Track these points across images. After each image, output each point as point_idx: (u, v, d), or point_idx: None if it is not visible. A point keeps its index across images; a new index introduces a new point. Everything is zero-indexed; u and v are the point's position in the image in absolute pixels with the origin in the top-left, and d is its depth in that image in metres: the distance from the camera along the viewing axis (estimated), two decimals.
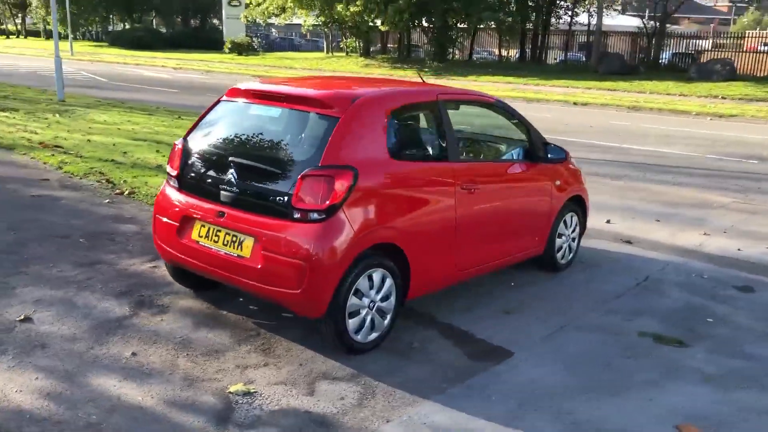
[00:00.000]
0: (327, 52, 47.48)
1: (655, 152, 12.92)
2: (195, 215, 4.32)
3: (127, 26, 65.28)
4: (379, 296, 4.15)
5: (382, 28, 36.78)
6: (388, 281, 4.19)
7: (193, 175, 4.45)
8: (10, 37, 77.32)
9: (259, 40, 51.33)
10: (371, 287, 4.09)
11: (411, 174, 4.31)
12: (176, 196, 4.49)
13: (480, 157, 5.57)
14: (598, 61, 34.87)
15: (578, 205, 6.00)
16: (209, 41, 54.78)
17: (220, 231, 4.17)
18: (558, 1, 38.61)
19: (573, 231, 5.98)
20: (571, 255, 6.05)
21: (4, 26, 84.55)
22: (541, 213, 5.51)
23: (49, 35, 71.00)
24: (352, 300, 3.99)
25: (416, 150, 4.58)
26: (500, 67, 36.98)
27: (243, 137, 4.41)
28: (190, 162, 4.49)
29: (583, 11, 38.55)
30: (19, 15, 79.50)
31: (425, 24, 38.13)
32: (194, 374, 3.83)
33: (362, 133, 4.08)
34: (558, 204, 5.63)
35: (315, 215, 3.83)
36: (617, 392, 3.87)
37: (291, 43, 61.00)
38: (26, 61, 37.82)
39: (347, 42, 45.65)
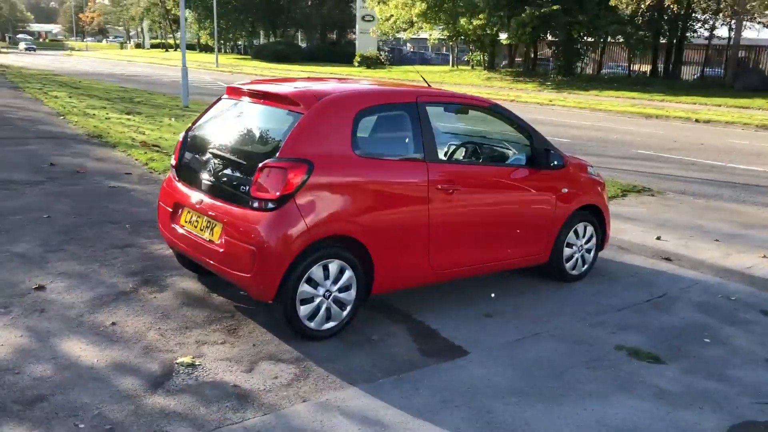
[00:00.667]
0: (452, 66, 47.73)
1: (763, 173, 12.03)
2: (184, 202, 4.70)
3: (271, 40, 69.06)
4: (336, 287, 4.31)
5: (505, 42, 36.50)
6: (348, 273, 4.34)
7: (186, 165, 4.84)
8: (169, 50, 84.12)
9: (387, 53, 52.45)
10: (326, 277, 4.27)
11: (377, 171, 4.44)
12: (173, 185, 4.90)
13: (469, 160, 5.54)
14: (735, 76, 32.63)
15: (595, 216, 5.83)
16: (344, 55, 56.75)
17: (199, 217, 4.52)
18: (693, 14, 36.53)
19: (587, 242, 5.81)
20: (586, 266, 5.88)
21: (163, 40, 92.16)
22: (542, 220, 5.42)
23: (202, 49, 76.68)
24: (304, 287, 4.18)
25: (386, 148, 4.70)
26: (628, 83, 35.54)
27: (227, 131, 4.74)
28: (186, 153, 4.89)
29: (723, 24, 36.23)
30: (177, 30, 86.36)
31: (550, 38, 37.42)
32: (155, 345, 4.18)
33: (325, 130, 4.28)
34: (564, 212, 5.51)
35: (268, 204, 4.08)
36: (554, 399, 3.79)
37: (422, 56, 61.87)
38: (175, 72, 41.08)
39: (472, 55, 45.67)
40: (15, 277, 5.17)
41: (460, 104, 5.27)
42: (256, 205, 4.12)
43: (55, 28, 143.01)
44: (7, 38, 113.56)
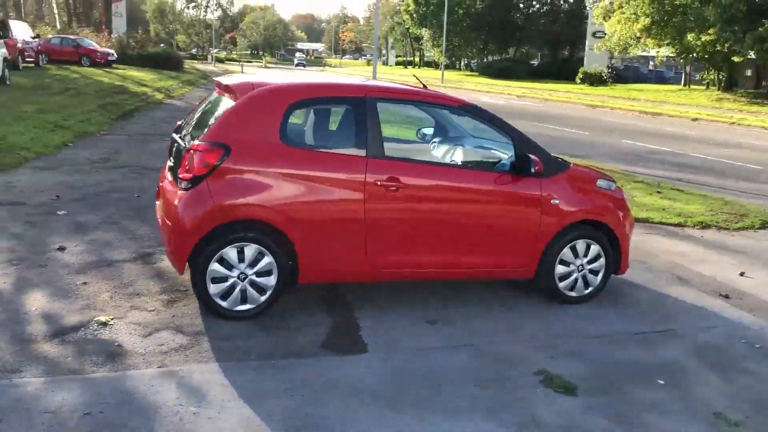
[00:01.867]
0: (684, 85, 43.98)
1: None
2: (160, 189, 5.16)
3: (501, 57, 69.40)
4: (253, 270, 4.45)
5: (736, 59, 32.84)
6: (267, 259, 4.46)
7: (171, 153, 5.30)
8: (408, 67, 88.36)
9: (610, 71, 49.85)
10: (242, 260, 4.43)
11: (308, 162, 4.50)
12: (163, 173, 5.39)
13: (430, 161, 5.24)
14: None
15: (604, 234, 5.24)
16: (572, 72, 55.13)
17: (161, 199, 4.95)
18: None
19: (591, 262, 5.24)
20: (590, 289, 5.30)
21: (406, 58, 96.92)
22: (521, 231, 5.01)
23: (439, 66, 79.50)
24: (215, 266, 4.39)
25: (323, 140, 4.72)
26: None
27: (196, 121, 5.10)
28: (173, 144, 5.35)
29: None
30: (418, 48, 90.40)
31: None
32: (95, 304, 4.66)
33: (252, 118, 4.46)
34: (554, 225, 5.04)
35: (185, 184, 4.36)
36: (402, 409, 3.56)
37: (660, 75, 57.78)
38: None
39: (705, 74, 41.73)
40: (52, 238, 6.03)
41: (420, 102, 5.10)
42: (182, 185, 4.43)
43: (321, 46, 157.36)
44: (277, 55, 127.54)
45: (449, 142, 5.76)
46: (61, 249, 5.74)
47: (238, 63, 76.32)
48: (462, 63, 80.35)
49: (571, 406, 3.72)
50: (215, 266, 4.39)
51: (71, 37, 38.37)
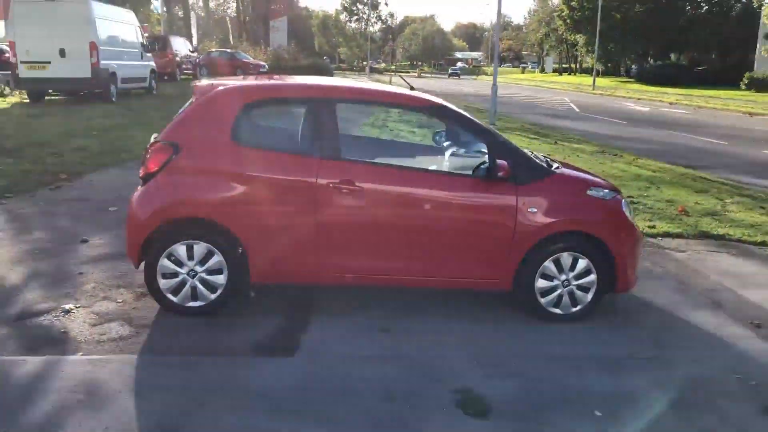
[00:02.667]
0: None
1: None
2: None
3: (663, 63, 65.26)
4: (203, 268, 4.53)
5: None
6: (217, 257, 4.52)
7: None
8: (563, 74, 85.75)
9: None
10: (191, 257, 4.52)
11: (259, 162, 4.51)
12: None
13: (388, 162, 4.89)
14: None
15: (596, 248, 4.77)
16: (740, 77, 50.72)
17: None
18: None
19: (579, 277, 4.79)
20: (579, 307, 4.84)
21: (565, 65, 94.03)
22: (492, 239, 4.68)
23: (597, 72, 76.42)
24: (164, 262, 4.50)
25: (276, 141, 4.69)
26: None
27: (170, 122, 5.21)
28: None
29: None
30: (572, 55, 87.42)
31: None
32: (75, 293, 4.94)
33: (206, 118, 4.54)
34: (532, 235, 4.66)
35: (142, 180, 4.54)
36: (278, 414, 3.47)
37: None
38: (537, 93, 42.33)
39: None
40: (82, 231, 6.50)
41: (383, 103, 4.90)
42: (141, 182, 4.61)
43: (480, 55, 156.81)
44: (434, 65, 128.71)
45: (455, 147, 5.52)
46: (84, 241, 6.18)
47: (393, 73, 77.96)
48: (621, 69, 76.54)
49: (473, 429, 3.42)
50: (165, 262, 4.51)
51: (228, 51, 41.29)
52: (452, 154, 5.17)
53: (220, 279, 4.56)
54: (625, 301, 5.27)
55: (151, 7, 44.05)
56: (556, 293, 4.81)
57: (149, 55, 22.42)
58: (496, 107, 21.15)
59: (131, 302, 4.83)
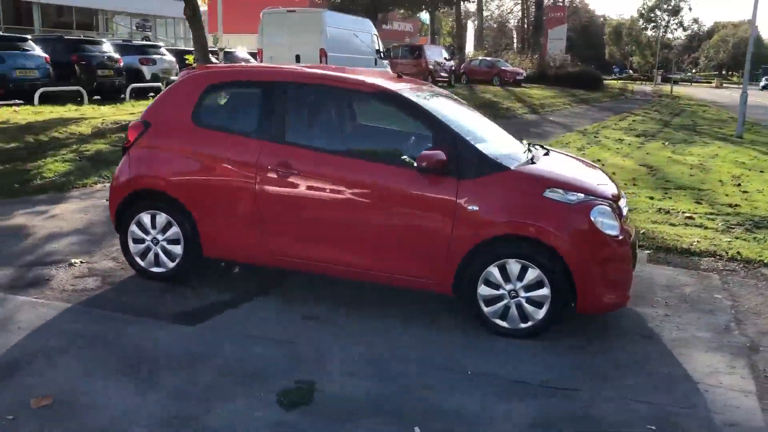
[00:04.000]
0: None
1: None
2: None
3: None
4: (163, 237, 4.90)
5: None
6: (174, 228, 4.87)
7: None
8: None
9: None
10: (154, 226, 4.91)
11: (210, 142, 4.73)
12: None
13: (327, 148, 4.66)
14: None
15: (550, 258, 4.15)
16: None
17: None
18: None
19: (529, 289, 4.20)
20: (530, 324, 4.25)
21: None
22: (427, 238, 4.31)
23: None
24: (133, 228, 4.96)
25: (228, 122, 4.80)
26: None
27: None
28: None
29: None
30: None
31: None
32: (95, 250, 5.67)
33: (174, 100, 4.92)
34: (471, 237, 4.21)
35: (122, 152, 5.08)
36: (125, 377, 3.68)
37: None
38: None
39: None
40: None
41: (333, 88, 4.71)
42: None
43: None
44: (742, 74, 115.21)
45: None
46: None
47: (689, 83, 71.43)
48: None
49: (265, 413, 3.29)
50: (133, 227, 4.97)
51: (488, 59, 41.85)
52: (404, 144, 4.85)
53: (178, 249, 4.89)
54: (634, 325, 4.53)
55: (421, 18, 46.39)
56: (501, 303, 4.28)
57: (385, 61, 23.74)
58: (744, 117, 18.58)
59: (122, 263, 5.33)
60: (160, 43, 23.24)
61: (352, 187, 4.45)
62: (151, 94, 18.44)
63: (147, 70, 20.81)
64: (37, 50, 16.34)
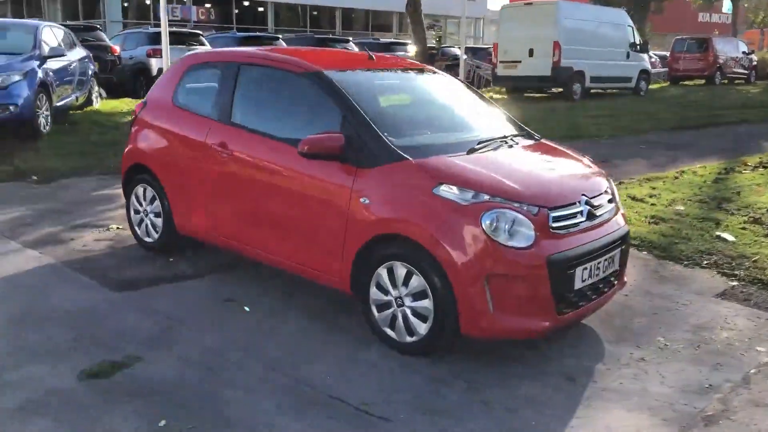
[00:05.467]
0: None
1: None
2: None
3: None
4: (150, 210, 5.20)
5: None
6: (157, 202, 5.14)
7: None
8: None
9: None
10: (144, 199, 5.24)
11: (180, 121, 4.90)
12: None
13: (264, 131, 4.36)
14: None
15: (432, 264, 3.54)
16: None
17: None
18: None
19: (416, 299, 3.61)
20: (414, 339, 3.66)
21: None
22: (326, 229, 3.94)
23: None
24: (132, 199, 5.35)
25: (193, 103, 4.85)
26: None
27: None
28: None
29: None
30: None
31: None
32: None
33: (164, 81, 5.23)
34: (361, 233, 3.75)
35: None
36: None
37: None
38: None
39: None
40: None
41: (273, 68, 4.44)
42: None
43: None
44: None
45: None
46: None
47: None
48: None
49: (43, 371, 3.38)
50: (132, 199, 5.37)
51: None
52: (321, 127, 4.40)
53: (159, 222, 5.17)
54: (573, 362, 3.70)
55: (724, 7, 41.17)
56: (390, 311, 3.76)
57: (642, 55, 21.71)
58: None
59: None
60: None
61: (268, 170, 4.29)
62: None
63: None
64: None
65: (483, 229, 3.41)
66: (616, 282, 4.05)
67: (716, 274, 5.19)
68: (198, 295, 4.54)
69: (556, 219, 3.58)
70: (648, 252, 5.65)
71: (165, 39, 13.05)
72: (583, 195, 3.80)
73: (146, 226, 5.29)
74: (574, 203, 3.73)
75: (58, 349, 3.68)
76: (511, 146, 4.27)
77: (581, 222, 3.72)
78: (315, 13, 43.28)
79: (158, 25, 14.10)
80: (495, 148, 4.14)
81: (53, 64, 10.11)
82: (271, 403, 3.22)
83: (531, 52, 18.95)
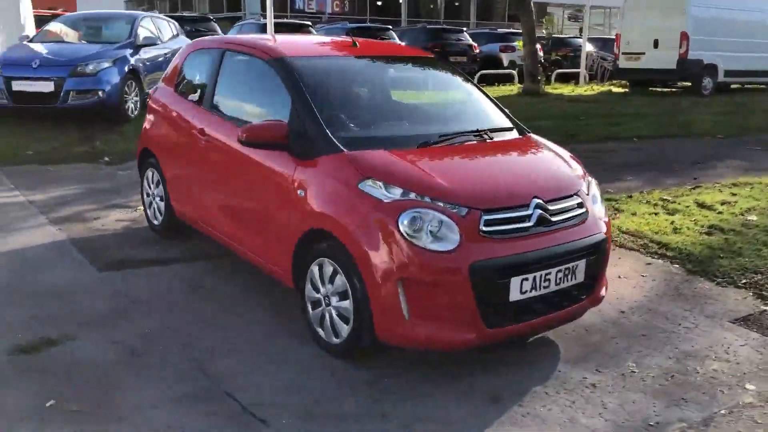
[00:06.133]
0: None
1: None
2: None
3: None
4: (156, 192, 5.33)
5: None
6: (160, 187, 5.25)
7: None
8: None
9: None
10: (152, 182, 5.39)
11: (176, 107, 4.98)
12: None
13: (233, 116, 4.33)
14: None
15: (350, 264, 3.33)
16: None
17: None
18: None
19: (340, 299, 3.43)
20: (338, 341, 3.49)
21: None
22: (272, 221, 3.85)
23: None
24: (144, 183, 5.52)
25: (185, 88, 4.88)
26: None
27: None
28: None
29: None
30: None
31: None
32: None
33: (171, 69, 5.32)
34: (299, 226, 3.61)
35: None
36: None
37: None
38: None
39: None
40: None
41: (248, 55, 4.33)
42: None
43: None
44: None
45: None
46: None
47: None
48: None
49: None
50: (144, 182, 5.53)
51: None
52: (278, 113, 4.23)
53: (162, 206, 5.30)
54: (507, 383, 3.38)
55: None
56: (321, 310, 3.60)
57: None
58: None
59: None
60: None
61: (233, 158, 4.22)
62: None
63: (506, 57, 21.27)
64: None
65: (399, 228, 3.15)
66: (584, 297, 3.61)
67: (750, 295, 4.53)
68: (176, 280, 4.57)
69: (491, 222, 3.24)
70: (681, 265, 5.03)
71: (270, 29, 13.52)
72: (536, 198, 3.42)
73: (154, 209, 5.43)
74: (521, 206, 3.36)
75: (12, 325, 3.84)
76: (482, 141, 3.93)
77: (528, 227, 3.35)
78: (457, 4, 42.77)
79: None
80: (456, 143, 3.83)
81: (147, 52, 10.68)
82: (165, 393, 3.17)
83: (656, 43, 17.60)
